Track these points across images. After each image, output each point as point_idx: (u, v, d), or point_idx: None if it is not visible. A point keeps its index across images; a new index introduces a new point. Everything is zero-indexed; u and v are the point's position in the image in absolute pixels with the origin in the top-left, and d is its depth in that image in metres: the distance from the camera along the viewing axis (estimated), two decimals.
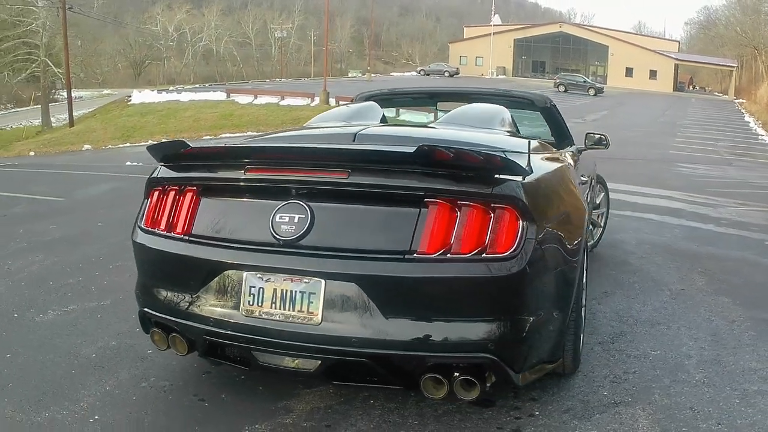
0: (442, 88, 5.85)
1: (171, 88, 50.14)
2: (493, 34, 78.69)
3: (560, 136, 5.30)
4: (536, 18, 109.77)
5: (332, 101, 33.34)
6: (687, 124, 30.50)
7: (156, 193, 3.18)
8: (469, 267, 2.66)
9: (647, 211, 8.75)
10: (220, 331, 2.88)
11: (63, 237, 6.96)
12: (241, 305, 2.82)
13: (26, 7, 41.69)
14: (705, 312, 4.71)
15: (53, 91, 49.61)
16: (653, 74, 69.61)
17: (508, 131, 4.04)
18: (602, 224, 6.54)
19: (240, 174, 2.92)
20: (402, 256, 2.68)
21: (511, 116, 4.25)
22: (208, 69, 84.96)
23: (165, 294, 3.09)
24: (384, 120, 4.66)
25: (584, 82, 54.26)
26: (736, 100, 56.48)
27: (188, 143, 3.05)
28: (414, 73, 77.24)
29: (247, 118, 31.81)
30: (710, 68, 75.00)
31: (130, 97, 40.87)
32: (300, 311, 2.74)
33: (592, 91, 51.74)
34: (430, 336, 2.69)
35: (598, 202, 6.41)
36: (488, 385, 2.82)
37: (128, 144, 28.09)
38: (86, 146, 28.81)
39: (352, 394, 3.33)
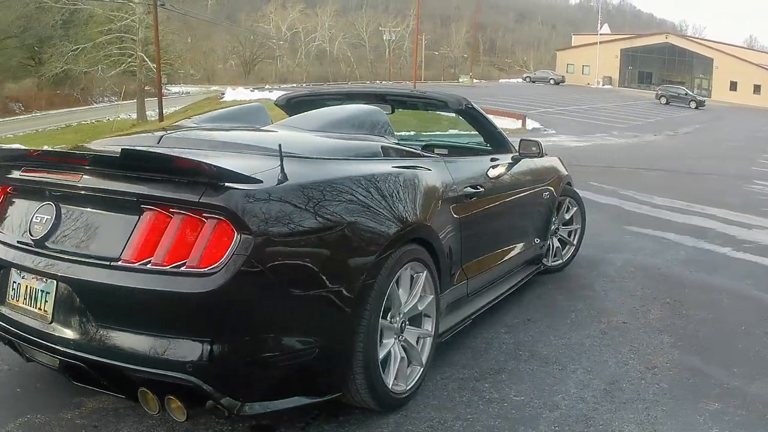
0: (360, 89, 5.65)
1: (266, 86, 51.01)
2: (600, 43, 76.40)
3: (491, 141, 4.76)
4: (651, 28, 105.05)
5: None
6: None
7: None
8: (165, 280, 2.45)
9: (671, 230, 7.86)
10: None
11: None
12: (7, 300, 2.92)
13: (123, 3, 43.16)
14: (627, 352, 3.97)
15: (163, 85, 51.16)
16: (757, 89, 65.60)
17: (364, 134, 3.61)
18: (574, 242, 5.83)
19: (18, 175, 3.01)
20: (108, 263, 2.56)
21: (383, 120, 3.82)
22: (321, 69, 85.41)
23: None
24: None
25: (686, 94, 51.93)
26: None
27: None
28: (520, 80, 76.35)
29: None
30: None
31: (223, 94, 41.80)
32: (39, 309, 2.76)
33: (693, 104, 49.59)
34: (134, 349, 2.52)
35: (568, 217, 5.75)
36: (233, 410, 2.56)
37: None
38: None
39: None
